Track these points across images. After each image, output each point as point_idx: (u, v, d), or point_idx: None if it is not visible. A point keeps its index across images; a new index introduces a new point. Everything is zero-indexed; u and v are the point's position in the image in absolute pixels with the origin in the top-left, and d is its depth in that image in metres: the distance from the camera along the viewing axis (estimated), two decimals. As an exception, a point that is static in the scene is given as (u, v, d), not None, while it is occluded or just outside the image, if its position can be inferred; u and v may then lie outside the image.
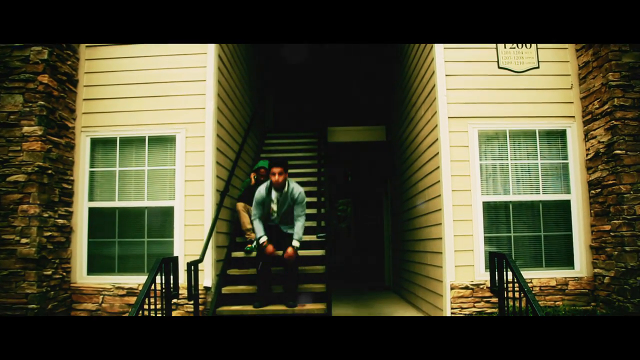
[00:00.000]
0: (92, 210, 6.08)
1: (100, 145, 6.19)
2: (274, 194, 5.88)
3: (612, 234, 5.53)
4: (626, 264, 5.30)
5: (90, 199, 6.10)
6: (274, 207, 5.92)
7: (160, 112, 6.11)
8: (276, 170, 5.71)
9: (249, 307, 5.72)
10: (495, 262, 4.12)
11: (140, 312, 3.63)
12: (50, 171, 5.57)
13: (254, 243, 6.56)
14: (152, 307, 3.86)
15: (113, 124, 6.13)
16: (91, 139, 6.15)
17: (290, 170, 8.33)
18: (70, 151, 6.03)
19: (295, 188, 5.88)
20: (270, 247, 5.74)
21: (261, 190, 5.88)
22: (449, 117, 6.00)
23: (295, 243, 5.78)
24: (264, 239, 5.76)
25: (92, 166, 6.14)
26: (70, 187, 5.99)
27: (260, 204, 5.85)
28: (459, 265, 5.83)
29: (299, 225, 5.86)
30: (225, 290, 5.97)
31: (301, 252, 6.09)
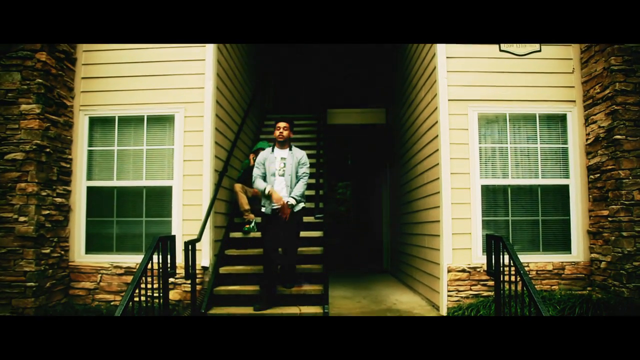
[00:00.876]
0: (90, 189, 6.07)
1: (99, 124, 6.16)
2: (278, 152, 5.63)
3: (609, 219, 5.54)
4: (623, 249, 5.31)
5: (89, 178, 6.09)
6: (280, 164, 5.56)
7: (159, 92, 6.08)
8: (282, 124, 5.57)
9: (248, 287, 5.74)
10: (492, 244, 4.12)
11: (137, 290, 3.64)
12: (48, 149, 5.56)
13: (252, 223, 6.58)
14: (149, 286, 3.87)
15: (112, 103, 6.10)
16: (90, 117, 6.12)
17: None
18: (69, 130, 6.01)
19: (299, 150, 5.71)
20: (277, 195, 5.41)
21: (264, 153, 5.69)
22: (449, 100, 5.97)
23: (291, 200, 5.47)
24: (269, 187, 5.44)
25: (90, 145, 6.12)
26: (68, 166, 5.98)
27: (262, 164, 5.59)
28: (456, 248, 5.85)
29: (301, 184, 5.57)
30: (223, 270, 5.99)
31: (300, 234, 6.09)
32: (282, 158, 5.59)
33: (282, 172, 5.56)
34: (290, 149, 5.65)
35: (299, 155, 5.66)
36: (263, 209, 5.56)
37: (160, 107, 6.07)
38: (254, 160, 6.96)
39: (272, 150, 5.65)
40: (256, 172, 5.60)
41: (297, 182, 5.59)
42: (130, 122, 6.13)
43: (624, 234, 5.32)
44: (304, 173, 5.64)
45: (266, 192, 5.42)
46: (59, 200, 5.78)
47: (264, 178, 5.59)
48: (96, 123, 6.16)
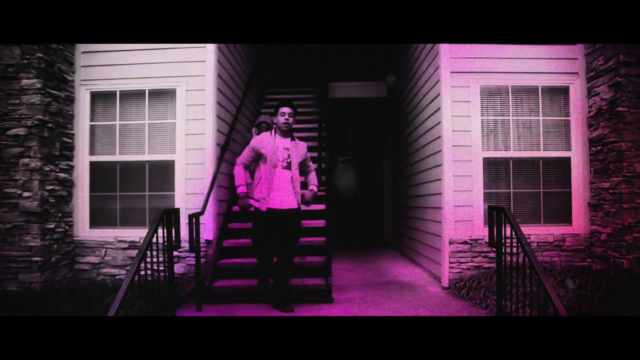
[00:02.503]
0: (93, 164, 6.09)
1: (100, 99, 6.15)
2: (280, 140, 4.89)
3: (610, 191, 5.56)
4: (623, 221, 5.35)
5: (91, 153, 6.09)
6: (284, 155, 4.84)
7: (160, 65, 6.04)
8: (286, 110, 4.84)
9: (252, 260, 5.78)
10: (494, 216, 4.15)
11: (143, 263, 3.68)
12: (50, 125, 5.55)
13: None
14: (155, 260, 3.91)
15: (113, 77, 6.07)
16: (91, 92, 6.10)
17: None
18: (70, 105, 6.00)
19: (300, 142, 5.08)
20: (247, 200, 4.91)
21: (264, 136, 4.91)
22: (451, 72, 5.94)
23: (314, 189, 5.02)
24: (242, 188, 4.87)
25: (92, 120, 6.11)
26: (70, 141, 5.98)
27: (256, 150, 4.82)
28: (458, 221, 5.89)
29: (314, 174, 5.20)
30: (227, 243, 6.03)
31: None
32: (285, 148, 4.87)
33: (287, 164, 4.86)
34: (293, 139, 4.98)
35: (303, 148, 5.05)
36: (255, 205, 4.89)
37: (161, 81, 6.04)
38: (257, 134, 6.97)
39: (274, 138, 4.88)
40: (244, 156, 4.92)
41: (309, 173, 5.18)
42: (131, 97, 6.11)
43: (625, 205, 5.35)
44: (309, 164, 5.19)
45: (238, 191, 4.88)
46: (62, 175, 5.80)
47: (248, 167, 5.03)
48: (97, 98, 6.14)
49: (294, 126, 5.03)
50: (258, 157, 4.85)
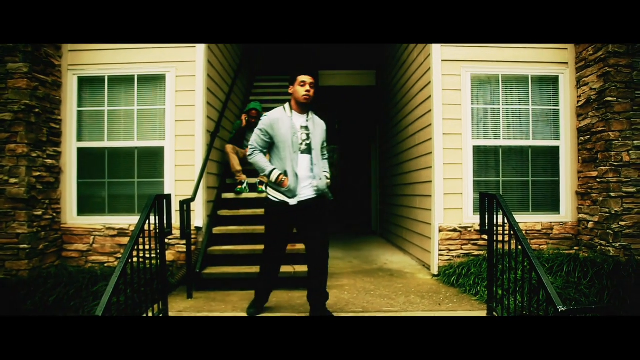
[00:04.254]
0: (81, 151, 6.01)
1: (88, 84, 6.05)
2: (298, 118, 3.94)
3: (598, 180, 5.63)
4: (610, 209, 5.42)
5: (79, 139, 6.01)
6: (302, 136, 3.91)
7: (149, 50, 5.96)
8: (307, 79, 3.86)
9: (241, 247, 5.77)
10: (486, 202, 4.18)
11: (135, 251, 3.64)
12: (37, 110, 5.46)
13: (244, 184, 6.57)
14: (146, 247, 3.87)
15: (101, 62, 5.98)
16: (78, 77, 6.00)
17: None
18: (57, 90, 5.90)
19: (317, 117, 4.11)
20: (287, 181, 3.84)
21: (275, 115, 3.93)
22: (442, 60, 5.95)
23: (326, 180, 4.08)
24: (277, 171, 3.86)
25: (80, 105, 6.02)
26: (58, 126, 5.89)
27: (267, 133, 3.91)
28: (447, 208, 5.92)
29: (326, 163, 4.22)
30: (216, 230, 6.01)
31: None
32: (303, 127, 3.93)
33: (307, 147, 3.93)
34: (310, 116, 4.02)
35: (322, 123, 4.12)
36: (276, 196, 3.94)
37: (151, 66, 5.96)
38: (246, 121, 6.93)
39: (291, 114, 3.94)
40: (256, 140, 3.97)
41: (324, 161, 4.19)
42: (120, 82, 6.02)
43: (612, 194, 5.41)
44: (325, 149, 4.21)
45: (273, 178, 3.87)
46: (49, 161, 5.72)
47: (266, 153, 4.06)
48: (85, 83, 6.05)
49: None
50: (271, 140, 3.95)
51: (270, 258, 4.18)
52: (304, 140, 3.90)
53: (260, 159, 3.96)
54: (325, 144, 4.14)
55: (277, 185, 3.87)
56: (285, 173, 3.85)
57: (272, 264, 4.21)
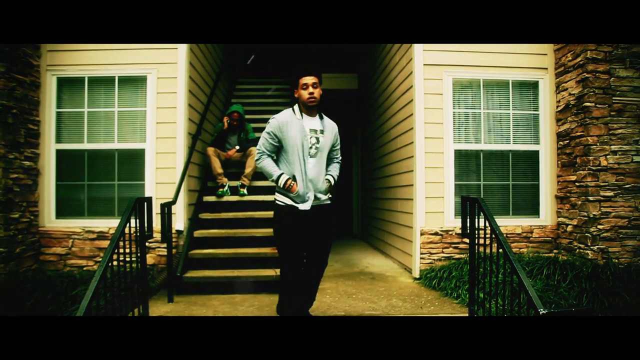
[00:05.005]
0: (59, 152, 5.91)
1: (68, 85, 5.96)
2: (308, 120, 3.72)
3: (577, 184, 5.70)
4: (589, 213, 5.49)
5: (58, 140, 5.92)
6: (312, 140, 3.69)
7: (130, 51, 5.89)
8: (309, 80, 3.63)
9: (222, 250, 5.73)
10: (467, 206, 4.21)
11: (115, 254, 3.59)
12: (15, 111, 5.36)
13: (226, 187, 6.53)
14: (126, 250, 3.83)
15: (81, 63, 5.89)
16: (57, 78, 5.92)
17: (263, 116, 8.26)
18: (36, 90, 5.80)
19: (328, 119, 3.91)
20: (296, 186, 3.63)
21: (284, 116, 3.71)
22: (424, 64, 5.98)
23: (330, 178, 3.91)
24: (284, 176, 3.65)
25: (59, 107, 5.93)
26: (36, 128, 5.79)
27: (276, 136, 3.68)
28: (429, 212, 5.95)
29: (337, 166, 4.03)
30: (197, 234, 5.96)
31: (271, 197, 6.04)
32: (312, 130, 3.71)
33: (317, 151, 3.72)
34: (322, 118, 3.82)
35: (333, 126, 3.91)
36: (284, 201, 3.71)
37: (132, 67, 5.90)
38: (228, 124, 6.88)
39: (301, 117, 3.70)
40: (264, 144, 3.74)
41: (333, 165, 4.00)
42: (100, 83, 5.95)
43: (590, 198, 5.49)
44: (338, 152, 4.01)
45: (281, 183, 3.66)
46: (27, 163, 5.62)
47: (273, 158, 3.80)
48: (65, 84, 5.96)
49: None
50: (280, 144, 3.73)
51: (291, 272, 3.73)
52: (313, 144, 3.70)
53: (267, 164, 3.72)
54: (337, 146, 3.96)
55: (286, 190, 3.65)
56: (294, 178, 3.66)
57: (295, 280, 3.74)
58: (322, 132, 3.74)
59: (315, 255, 3.81)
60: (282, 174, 3.67)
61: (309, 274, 3.85)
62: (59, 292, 4.80)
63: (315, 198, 3.72)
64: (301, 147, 3.62)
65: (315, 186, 3.71)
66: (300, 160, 3.63)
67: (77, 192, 5.95)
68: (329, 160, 3.92)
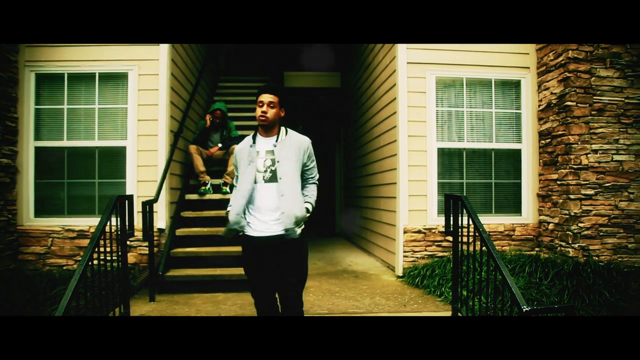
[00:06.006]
0: (38, 150, 5.81)
1: (47, 82, 5.86)
2: (262, 142, 3.28)
3: (558, 182, 5.76)
4: (570, 211, 5.55)
5: (37, 138, 5.82)
6: (265, 163, 3.22)
7: (111, 48, 5.81)
8: (265, 98, 3.21)
9: (204, 249, 5.68)
10: (451, 204, 4.22)
11: (95, 253, 3.54)
12: (-8, 107, 5.27)
13: (208, 185, 6.47)
14: (107, 249, 3.77)
15: (60, 59, 5.80)
16: (36, 74, 5.81)
17: (246, 114, 8.21)
18: (14, 87, 5.69)
19: (297, 134, 3.40)
20: (230, 214, 3.24)
21: (241, 147, 3.31)
22: (407, 63, 5.99)
23: (308, 205, 3.41)
24: (229, 208, 3.28)
25: (37, 103, 5.83)
26: (14, 124, 5.68)
27: (236, 167, 3.36)
28: (412, 210, 5.96)
29: (313, 188, 3.54)
30: (179, 232, 5.90)
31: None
32: (268, 152, 3.24)
33: (270, 176, 3.21)
34: (285, 134, 3.36)
35: (300, 142, 3.35)
36: (236, 227, 3.24)
37: (113, 64, 5.81)
38: (210, 121, 6.83)
39: (253, 142, 3.29)
40: (235, 178, 3.40)
41: (307, 187, 3.49)
42: (81, 80, 5.85)
43: (572, 196, 5.54)
44: (311, 171, 3.49)
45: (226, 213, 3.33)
46: (4, 161, 5.51)
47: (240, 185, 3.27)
48: (43, 80, 5.85)
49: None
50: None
51: (259, 306, 3.38)
52: (268, 167, 3.22)
53: (233, 196, 3.32)
54: (310, 164, 3.44)
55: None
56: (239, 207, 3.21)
57: (261, 307, 3.38)
58: (279, 152, 3.23)
59: (283, 295, 3.28)
60: (230, 206, 3.29)
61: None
62: (37, 291, 4.72)
63: (274, 228, 3.18)
64: (247, 173, 3.22)
65: (275, 215, 3.17)
66: (245, 187, 3.20)
67: (57, 190, 5.85)
68: (303, 182, 3.44)
